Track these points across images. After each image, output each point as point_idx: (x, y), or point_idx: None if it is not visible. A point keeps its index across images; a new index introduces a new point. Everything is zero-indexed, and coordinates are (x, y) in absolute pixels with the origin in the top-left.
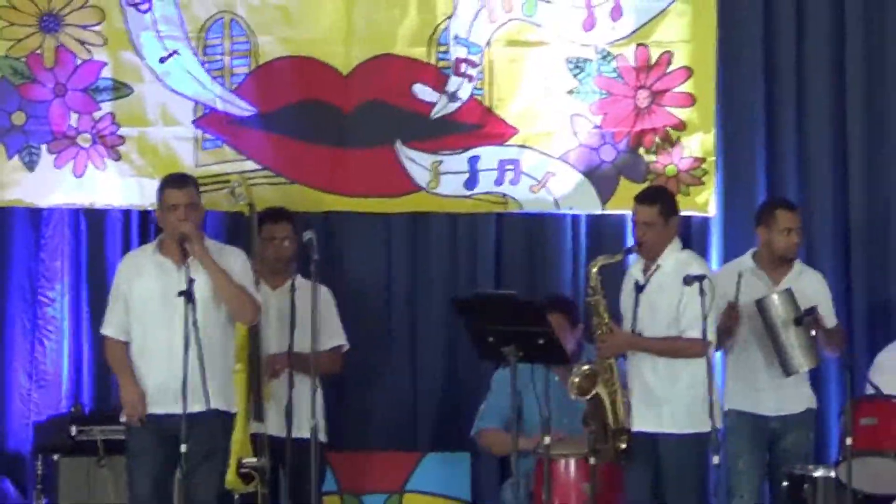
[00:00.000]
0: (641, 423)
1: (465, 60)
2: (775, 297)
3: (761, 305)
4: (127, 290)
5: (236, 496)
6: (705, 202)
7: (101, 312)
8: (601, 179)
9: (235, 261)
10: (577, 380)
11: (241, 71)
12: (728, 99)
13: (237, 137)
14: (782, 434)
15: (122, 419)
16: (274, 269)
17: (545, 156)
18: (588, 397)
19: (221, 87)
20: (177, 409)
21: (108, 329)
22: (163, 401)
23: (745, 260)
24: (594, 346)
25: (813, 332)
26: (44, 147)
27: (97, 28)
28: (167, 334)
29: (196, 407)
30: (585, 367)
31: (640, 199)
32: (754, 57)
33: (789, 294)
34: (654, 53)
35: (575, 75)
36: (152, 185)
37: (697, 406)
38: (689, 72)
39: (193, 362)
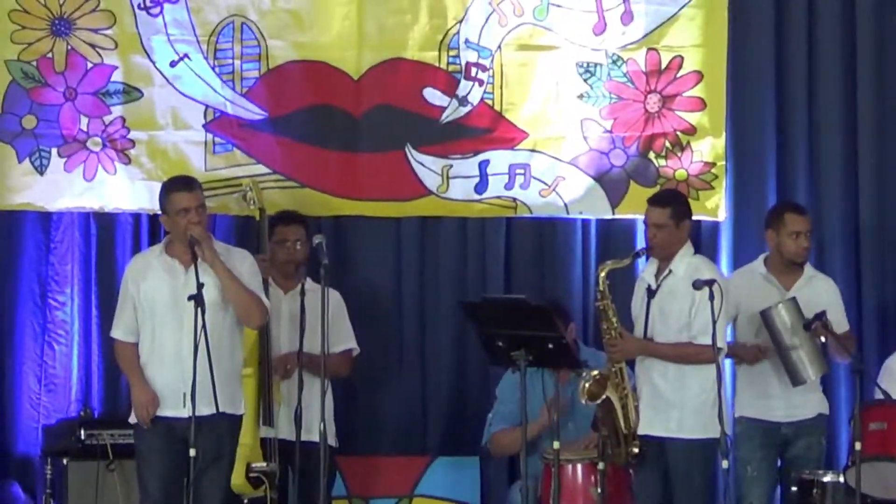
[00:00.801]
0: (650, 427)
1: (476, 64)
2: (780, 306)
3: (766, 316)
4: (135, 291)
5: (245, 500)
6: (715, 206)
7: (111, 316)
8: (611, 184)
9: (242, 263)
10: (587, 385)
11: (252, 75)
12: (738, 103)
13: (248, 141)
14: (794, 440)
15: (132, 420)
16: (285, 273)
17: (555, 160)
18: (598, 402)
19: (232, 91)
20: (185, 412)
21: (118, 332)
22: (171, 403)
23: (757, 265)
24: (590, 349)
25: (822, 339)
26: (54, 151)
27: (108, 32)
28: (176, 337)
29: (204, 410)
30: (595, 371)
31: (653, 200)
32: (765, 61)
33: (794, 303)
34: (665, 58)
35: (585, 79)
36: None
37: (706, 411)
38: (699, 76)
39: (202, 366)
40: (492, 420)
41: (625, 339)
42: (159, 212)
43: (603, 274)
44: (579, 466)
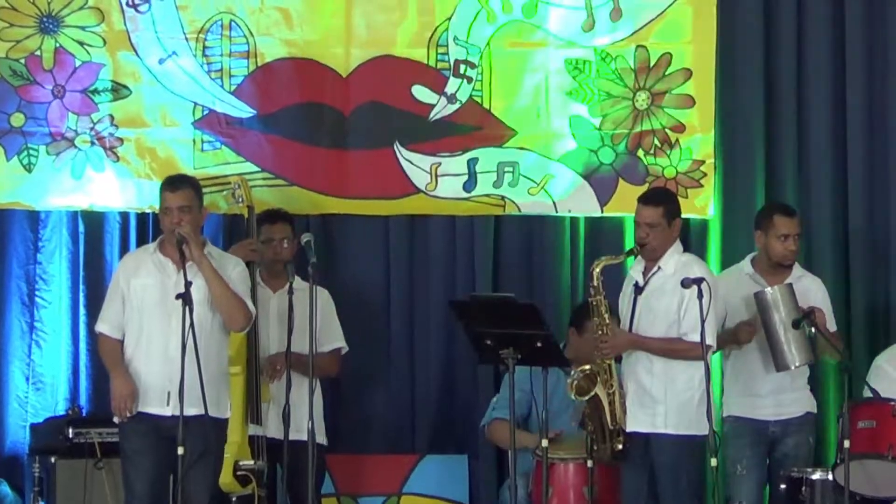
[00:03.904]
0: (636, 423)
1: (464, 62)
2: (776, 289)
3: (759, 298)
4: (125, 287)
5: (233, 498)
6: (704, 204)
7: (99, 314)
8: (600, 182)
9: (234, 269)
10: (576, 380)
11: (240, 72)
12: (727, 101)
13: (236, 139)
14: (782, 438)
15: (116, 419)
16: (274, 272)
17: (544, 158)
18: (587, 398)
19: (220, 89)
20: (170, 410)
21: (103, 326)
22: (156, 401)
23: (744, 265)
24: None
25: (813, 329)
26: (42, 148)
27: (96, 29)
28: (163, 335)
29: (191, 410)
30: (585, 367)
31: (645, 200)
32: (754, 59)
33: (789, 288)
34: (654, 55)
35: (574, 77)
36: (151, 187)
37: (692, 408)
38: (688, 73)
39: (190, 365)
40: (496, 405)
41: (615, 335)
42: (147, 210)
43: (597, 270)
44: (571, 465)
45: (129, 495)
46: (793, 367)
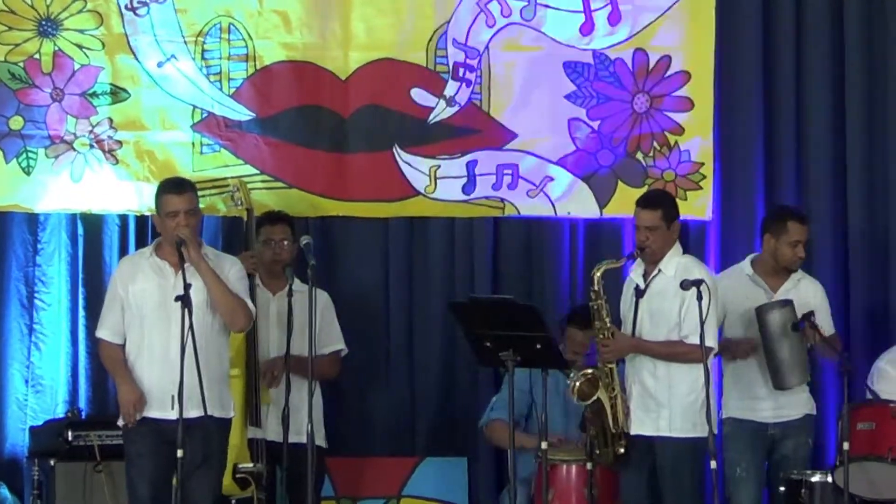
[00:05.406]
0: (639, 426)
1: (464, 65)
2: (776, 308)
3: (761, 314)
4: (123, 292)
5: (233, 501)
6: (703, 207)
7: (98, 317)
8: (599, 184)
9: (230, 269)
10: (578, 384)
11: (239, 76)
12: (726, 103)
13: (235, 142)
14: (781, 440)
15: (121, 423)
16: (273, 273)
17: (543, 160)
18: (589, 402)
19: (219, 92)
20: (173, 413)
21: (103, 332)
22: (159, 405)
23: (744, 266)
24: None
25: (809, 344)
26: (41, 151)
27: (95, 33)
28: (164, 338)
29: (193, 412)
30: (588, 371)
31: (643, 203)
32: (752, 61)
33: (791, 307)
34: (653, 58)
35: (573, 80)
36: (150, 190)
37: (695, 410)
38: (687, 76)
39: (191, 367)
40: (494, 405)
41: (616, 339)
42: (146, 213)
43: (598, 274)
44: (573, 467)
45: (133, 499)
46: (790, 388)
